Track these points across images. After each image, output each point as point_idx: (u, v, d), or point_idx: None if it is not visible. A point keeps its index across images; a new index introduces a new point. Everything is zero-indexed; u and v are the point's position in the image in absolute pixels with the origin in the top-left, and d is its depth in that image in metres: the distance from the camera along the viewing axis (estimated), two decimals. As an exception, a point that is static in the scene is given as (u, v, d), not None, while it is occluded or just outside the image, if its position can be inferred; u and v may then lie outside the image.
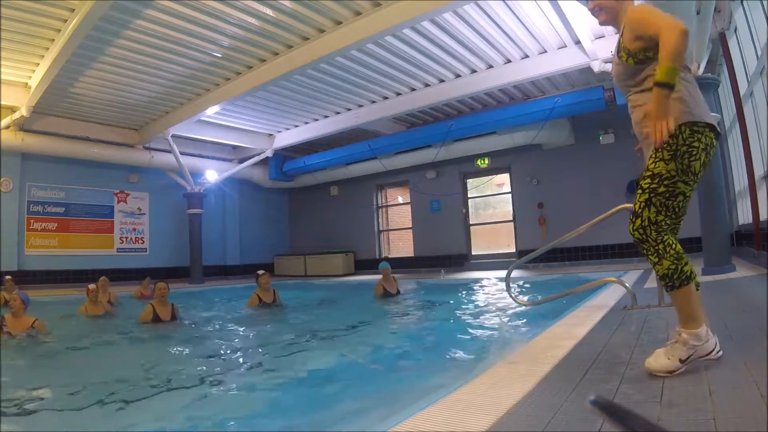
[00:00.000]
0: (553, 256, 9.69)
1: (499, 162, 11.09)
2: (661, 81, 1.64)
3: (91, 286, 5.88)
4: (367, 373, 3.08)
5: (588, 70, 7.82)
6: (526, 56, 8.13)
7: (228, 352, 4.09)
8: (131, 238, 11.79)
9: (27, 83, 8.36)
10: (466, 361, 3.18)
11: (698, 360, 1.75)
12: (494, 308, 5.46)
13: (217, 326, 5.53)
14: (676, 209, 1.81)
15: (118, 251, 11.51)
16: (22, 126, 9.29)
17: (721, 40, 5.98)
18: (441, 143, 10.78)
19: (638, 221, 1.80)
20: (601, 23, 2.09)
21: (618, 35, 2.00)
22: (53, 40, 6.84)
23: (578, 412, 1.44)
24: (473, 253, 11.63)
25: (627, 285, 3.95)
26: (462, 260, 11.42)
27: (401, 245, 13.31)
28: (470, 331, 4.31)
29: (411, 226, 12.69)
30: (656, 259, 1.77)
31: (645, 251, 1.81)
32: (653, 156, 1.79)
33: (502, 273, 5.75)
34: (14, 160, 9.69)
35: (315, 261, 13.26)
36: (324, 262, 13.04)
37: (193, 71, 8.09)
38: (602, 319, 3.15)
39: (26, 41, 6.89)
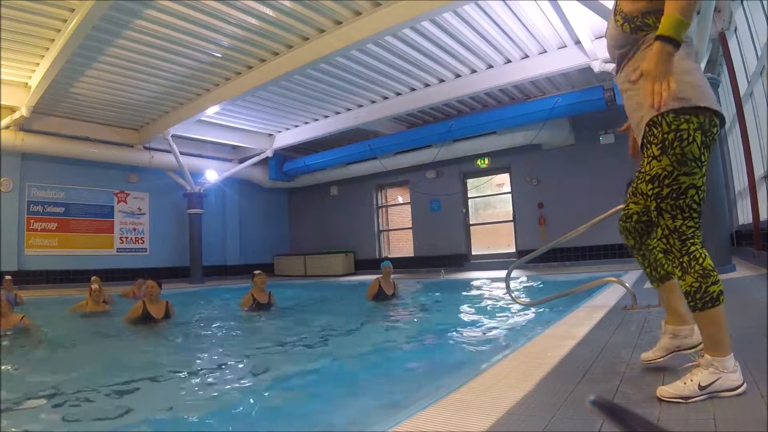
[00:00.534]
0: (553, 256, 9.69)
1: (499, 162, 11.09)
2: (666, 34, 1.35)
3: (94, 286, 5.95)
4: (366, 374, 3.07)
5: (588, 70, 7.82)
6: (526, 56, 8.13)
7: (219, 351, 4.07)
8: (131, 238, 11.79)
9: (27, 83, 8.36)
10: (466, 361, 3.17)
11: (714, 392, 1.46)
12: (494, 308, 5.46)
13: (208, 325, 5.48)
14: (693, 207, 1.53)
15: (118, 251, 11.51)
16: (22, 126, 9.29)
17: (721, 40, 5.99)
18: (441, 143, 10.79)
19: (659, 231, 1.59)
20: None
21: None
22: (53, 40, 6.84)
23: (578, 412, 1.44)
24: (473, 253, 11.63)
25: (627, 285, 3.95)
26: (462, 260, 11.42)
27: (401, 245, 13.31)
28: (470, 331, 4.31)
29: (411, 226, 12.69)
30: (680, 273, 1.55)
31: (671, 263, 1.60)
32: (645, 155, 1.57)
33: (502, 273, 5.75)
34: (14, 160, 9.68)
35: (315, 261, 13.26)
36: (324, 262, 13.04)
37: (193, 71, 8.09)
38: (602, 319, 3.15)
39: (26, 41, 6.88)
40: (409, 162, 11.71)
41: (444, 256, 11.60)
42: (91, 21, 5.96)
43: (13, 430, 2.16)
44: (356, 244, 13.39)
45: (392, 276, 6.54)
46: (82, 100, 9.09)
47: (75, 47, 6.61)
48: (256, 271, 6.19)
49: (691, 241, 1.54)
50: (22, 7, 6.00)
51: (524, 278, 8.10)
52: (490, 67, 8.51)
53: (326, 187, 13.94)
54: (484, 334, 4.17)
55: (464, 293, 7.14)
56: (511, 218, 11.09)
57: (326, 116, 10.98)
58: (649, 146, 1.54)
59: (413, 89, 9.46)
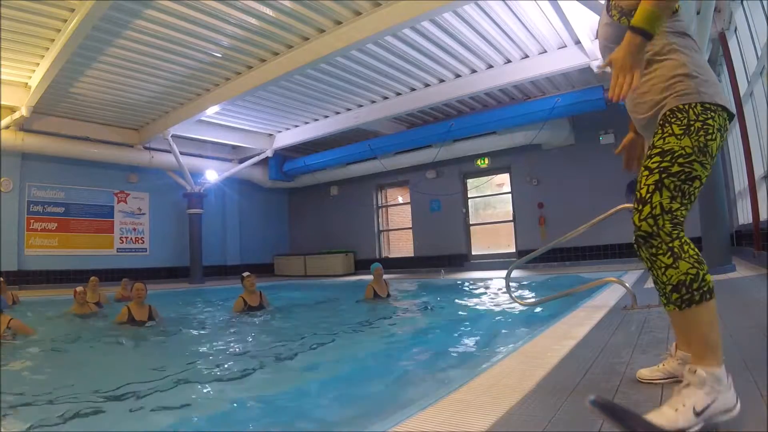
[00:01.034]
0: (553, 256, 9.69)
1: (499, 162, 11.09)
2: (638, 26, 1.29)
3: (79, 288, 5.85)
4: (366, 374, 3.07)
5: (588, 70, 7.83)
6: (526, 56, 8.13)
7: (207, 355, 3.92)
8: (131, 238, 11.80)
9: (27, 83, 8.37)
10: (466, 361, 3.17)
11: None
12: (494, 308, 5.46)
13: (194, 328, 5.38)
14: (692, 198, 1.41)
15: (118, 251, 11.52)
16: (22, 126, 9.30)
17: (721, 40, 5.99)
18: (441, 143, 10.79)
19: (647, 209, 1.37)
20: None
21: None
22: (53, 40, 6.84)
23: (578, 412, 1.44)
24: (473, 253, 11.63)
25: (627, 285, 3.95)
26: (462, 260, 11.43)
27: (401, 245, 13.31)
28: (470, 331, 4.31)
29: (411, 226, 12.69)
30: (670, 261, 1.33)
31: (654, 250, 1.37)
32: (659, 132, 1.43)
33: (502, 273, 5.74)
34: (14, 160, 9.69)
35: (315, 261, 13.27)
36: (324, 262, 13.05)
37: (193, 71, 8.10)
38: (602, 319, 3.15)
39: (26, 41, 6.89)
40: (409, 162, 11.72)
41: (444, 256, 11.60)
42: (91, 21, 5.96)
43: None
44: (356, 244, 13.40)
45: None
46: (82, 100, 9.10)
47: (75, 47, 6.62)
48: (245, 273, 5.91)
49: (680, 228, 1.38)
50: (22, 7, 6.01)
51: (524, 278, 8.09)
52: (490, 67, 8.51)
53: (326, 187, 13.94)
54: (484, 334, 4.16)
55: (464, 293, 7.14)
56: (511, 218, 11.10)
57: (326, 116, 10.98)
58: (668, 126, 1.41)
59: (413, 89, 9.46)
